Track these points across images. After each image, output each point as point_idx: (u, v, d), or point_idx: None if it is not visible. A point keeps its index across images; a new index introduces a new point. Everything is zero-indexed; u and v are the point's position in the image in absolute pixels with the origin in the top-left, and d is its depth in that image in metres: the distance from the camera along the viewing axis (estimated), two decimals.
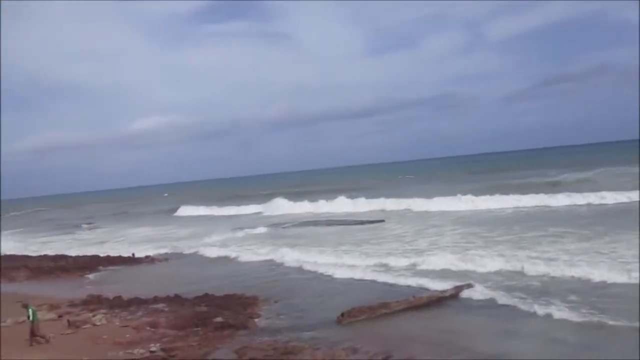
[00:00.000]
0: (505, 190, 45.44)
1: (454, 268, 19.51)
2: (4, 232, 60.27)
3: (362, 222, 36.94)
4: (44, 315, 17.40)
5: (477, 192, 44.38)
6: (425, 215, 38.03)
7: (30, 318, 14.14)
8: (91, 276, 26.04)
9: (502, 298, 15.21)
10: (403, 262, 21.19)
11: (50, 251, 36.07)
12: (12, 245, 43.10)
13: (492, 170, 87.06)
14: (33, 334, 14.09)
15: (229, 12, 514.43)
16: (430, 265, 20.16)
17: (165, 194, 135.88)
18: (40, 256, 33.67)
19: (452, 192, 45.99)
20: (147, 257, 30.14)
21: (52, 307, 18.62)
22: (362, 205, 46.23)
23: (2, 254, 36.93)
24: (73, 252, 34.05)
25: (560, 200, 36.28)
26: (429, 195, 46.00)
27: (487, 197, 40.67)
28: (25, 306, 14.51)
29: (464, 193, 43.43)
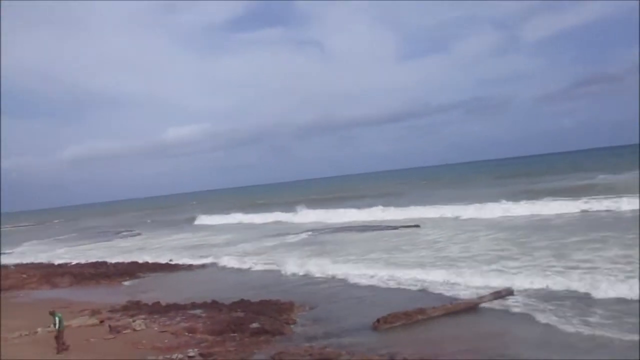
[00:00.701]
0: (540, 194, 44.70)
1: (488, 278, 18.77)
2: (47, 240, 62.31)
3: (395, 227, 36.87)
4: (85, 320, 17.97)
5: (511, 197, 43.63)
6: (459, 221, 37.54)
7: (57, 326, 14.39)
8: (130, 282, 26.69)
9: (540, 306, 14.95)
10: (435, 273, 20.42)
11: (91, 258, 37.06)
12: (57, 252, 44.49)
13: (526, 174, 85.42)
14: (58, 340, 14.37)
15: (261, 20, 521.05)
16: (463, 277, 19.38)
17: (194, 202, 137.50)
18: (81, 263, 34.66)
19: (486, 197, 45.35)
20: (184, 263, 30.67)
21: (94, 312, 19.17)
22: (394, 213, 45.67)
23: (48, 261, 38.17)
24: (112, 259, 34.93)
25: (598, 204, 35.28)
26: (462, 200, 45.50)
27: (523, 202, 39.89)
28: (52, 313, 14.74)
29: (499, 198, 42.70)
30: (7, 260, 42.10)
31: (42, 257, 41.16)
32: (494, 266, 20.54)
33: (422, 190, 76.74)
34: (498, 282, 17.99)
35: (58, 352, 14.19)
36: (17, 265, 36.98)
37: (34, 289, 26.87)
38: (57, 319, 14.41)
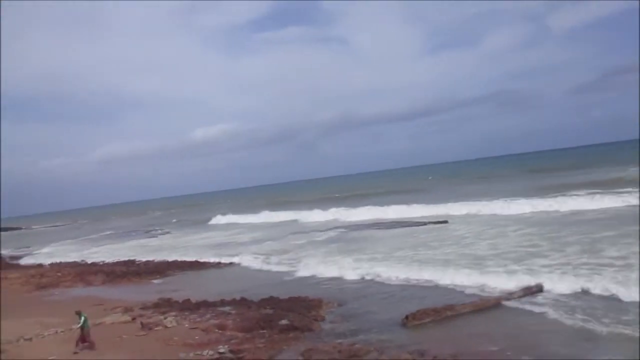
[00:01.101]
0: (571, 188, 43.83)
1: (517, 275, 18.13)
2: (78, 239, 63.79)
3: (423, 223, 36.69)
4: (118, 317, 18.37)
5: (541, 191, 42.95)
6: (487, 216, 36.94)
7: (82, 325, 14.57)
8: (160, 280, 27.14)
9: (571, 303, 14.72)
10: (463, 271, 19.80)
11: (122, 257, 37.78)
12: (88, 251, 45.54)
13: (556, 167, 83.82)
14: (83, 340, 14.56)
15: (284, 19, 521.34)
16: (491, 275, 18.80)
17: (220, 201, 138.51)
18: (113, 261, 35.37)
19: (515, 192, 44.75)
20: (212, 261, 31.00)
21: (126, 309, 19.58)
22: (421, 209, 45.02)
23: (81, 259, 39.11)
24: (143, 258, 35.54)
25: (631, 197, 34.19)
26: (491, 195, 44.93)
27: (553, 196, 39.16)
28: (79, 313, 14.94)
29: (528, 192, 42.05)
30: (40, 259, 43.30)
31: (74, 256, 42.15)
32: (523, 263, 20.14)
33: (449, 186, 75.97)
34: (527, 279, 17.40)
35: (90, 349, 14.46)
36: (51, 264, 37.95)
37: (68, 287, 27.56)
38: (82, 318, 14.63)
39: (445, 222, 36.07)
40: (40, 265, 38.15)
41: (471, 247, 25.25)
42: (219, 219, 65.18)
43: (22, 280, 30.59)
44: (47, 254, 47.49)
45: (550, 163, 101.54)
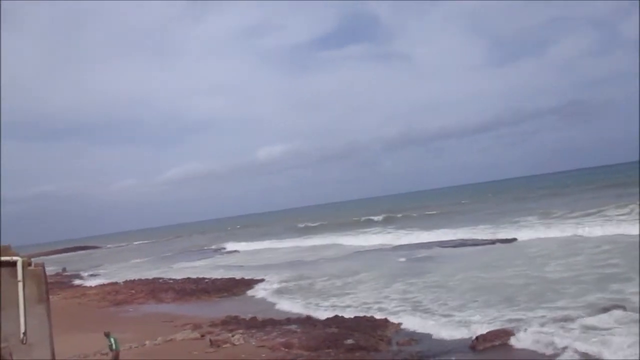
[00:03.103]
0: None
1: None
2: (150, 257, 66.33)
3: (492, 242, 35.53)
4: (188, 334, 18.88)
5: (618, 207, 40.52)
6: (559, 235, 34.61)
7: (113, 347, 14.38)
8: (228, 298, 27.68)
9: None
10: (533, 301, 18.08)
11: (191, 275, 38.82)
12: (159, 270, 47.32)
13: (633, 182, 78.72)
14: None
15: (345, 37, 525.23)
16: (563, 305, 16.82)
17: (283, 220, 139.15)
18: (183, 279, 36.47)
19: (589, 208, 42.53)
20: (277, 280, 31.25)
21: (196, 326, 20.11)
22: (486, 228, 43.07)
23: (152, 277, 40.63)
24: (211, 276, 36.40)
25: None
26: (563, 212, 42.92)
27: (631, 212, 36.79)
28: (107, 335, 14.70)
29: (604, 208, 39.75)
30: (114, 277, 45.36)
31: (146, 274, 43.75)
32: (604, 289, 18.37)
33: (518, 203, 73.07)
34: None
35: None
36: (125, 282, 39.66)
37: (141, 303, 28.70)
38: (112, 340, 14.43)
39: (514, 240, 34.82)
40: (115, 283, 39.95)
41: (542, 269, 23.88)
42: (276, 243, 65.34)
43: (99, 297, 32.19)
44: (120, 272, 49.73)
45: (623, 176, 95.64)
